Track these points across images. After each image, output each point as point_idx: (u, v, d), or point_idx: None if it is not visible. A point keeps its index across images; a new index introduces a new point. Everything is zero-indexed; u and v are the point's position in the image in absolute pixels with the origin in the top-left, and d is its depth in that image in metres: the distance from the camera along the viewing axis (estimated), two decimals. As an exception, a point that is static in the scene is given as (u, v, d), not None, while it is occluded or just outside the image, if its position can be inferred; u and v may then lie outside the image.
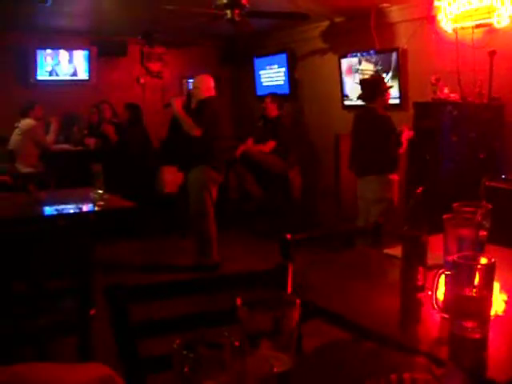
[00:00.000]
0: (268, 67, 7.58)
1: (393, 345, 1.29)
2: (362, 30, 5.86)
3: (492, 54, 4.38)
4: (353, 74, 6.12)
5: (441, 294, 1.38)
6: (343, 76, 6.25)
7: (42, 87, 7.10)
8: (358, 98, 4.93)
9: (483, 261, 1.28)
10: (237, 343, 0.83)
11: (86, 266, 2.33)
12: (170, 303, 1.53)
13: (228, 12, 4.99)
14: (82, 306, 2.30)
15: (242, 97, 8.27)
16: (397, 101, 5.52)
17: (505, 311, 1.48)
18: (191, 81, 5.99)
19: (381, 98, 4.55)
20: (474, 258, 1.30)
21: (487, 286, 1.26)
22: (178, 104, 5.05)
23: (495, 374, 1.16)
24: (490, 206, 1.78)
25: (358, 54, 6.03)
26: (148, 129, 6.86)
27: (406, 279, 1.47)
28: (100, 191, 3.87)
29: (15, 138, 6.11)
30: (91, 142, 6.91)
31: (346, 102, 6.29)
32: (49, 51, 7.20)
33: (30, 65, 7.05)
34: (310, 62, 6.94)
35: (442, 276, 1.34)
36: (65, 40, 7.13)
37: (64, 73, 7.31)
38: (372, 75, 5.63)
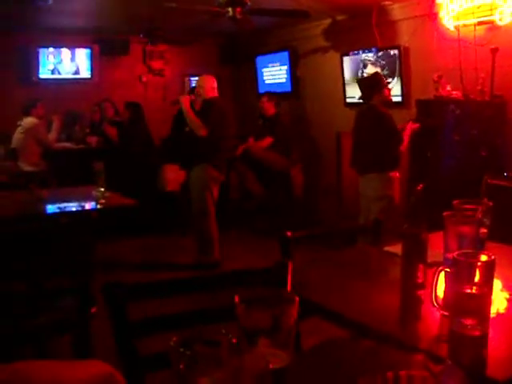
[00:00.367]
0: (270, 65, 7.58)
1: (392, 342, 1.29)
2: (363, 28, 5.84)
3: (494, 51, 4.36)
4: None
5: (441, 291, 1.38)
6: (345, 75, 6.24)
7: (45, 85, 7.09)
8: (359, 98, 4.93)
9: (483, 258, 1.28)
10: (234, 340, 0.83)
11: (86, 264, 2.33)
12: (170, 301, 1.52)
13: (230, 10, 4.99)
14: (82, 305, 2.30)
15: (243, 95, 8.26)
16: (399, 98, 5.51)
17: (505, 309, 1.48)
18: (193, 79, 5.97)
19: (378, 94, 4.52)
20: (474, 256, 1.30)
21: (487, 284, 1.26)
22: (186, 102, 5.03)
23: (495, 371, 1.16)
24: (490, 204, 1.78)
25: (360, 52, 6.02)
26: (150, 127, 6.85)
27: (406, 277, 1.46)
28: (102, 189, 3.88)
29: (17, 136, 6.11)
30: (93, 140, 6.92)
31: (348, 100, 6.28)
32: (51, 50, 7.20)
33: (33, 63, 7.06)
34: (312, 59, 6.94)
35: (442, 273, 1.34)
36: (67, 38, 7.13)
37: (66, 71, 7.31)
38: (369, 73, 5.62)
